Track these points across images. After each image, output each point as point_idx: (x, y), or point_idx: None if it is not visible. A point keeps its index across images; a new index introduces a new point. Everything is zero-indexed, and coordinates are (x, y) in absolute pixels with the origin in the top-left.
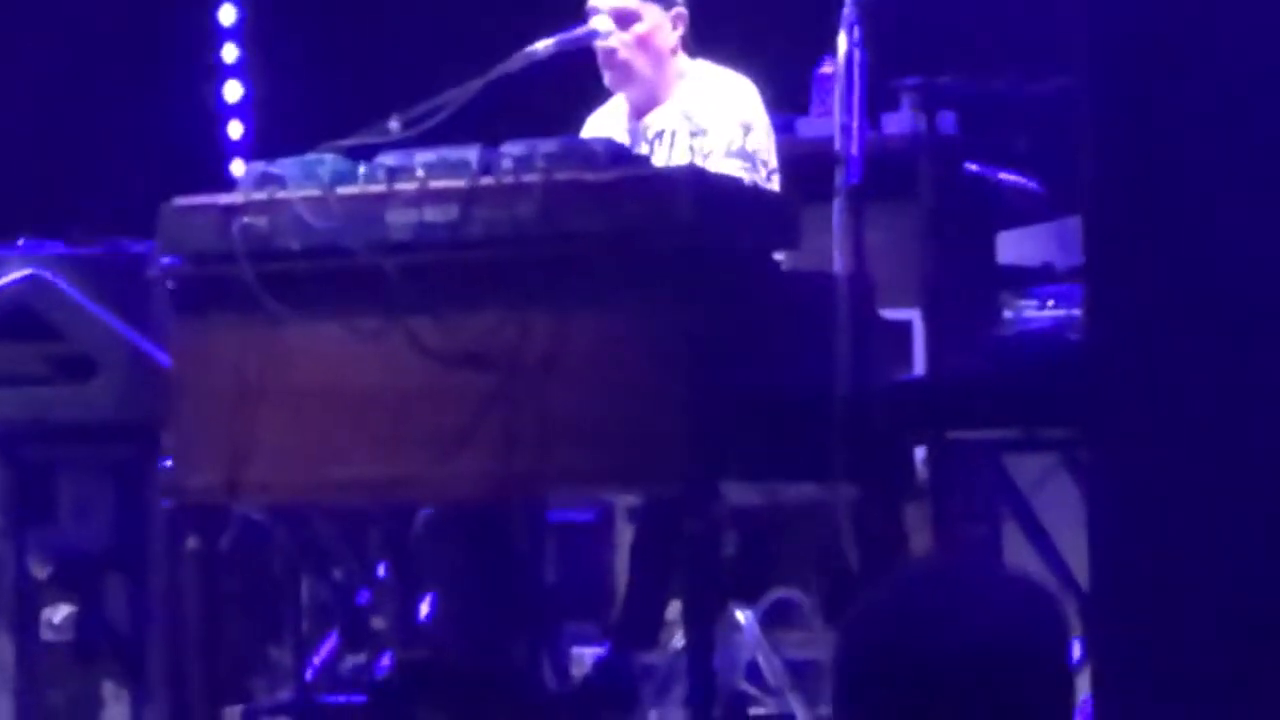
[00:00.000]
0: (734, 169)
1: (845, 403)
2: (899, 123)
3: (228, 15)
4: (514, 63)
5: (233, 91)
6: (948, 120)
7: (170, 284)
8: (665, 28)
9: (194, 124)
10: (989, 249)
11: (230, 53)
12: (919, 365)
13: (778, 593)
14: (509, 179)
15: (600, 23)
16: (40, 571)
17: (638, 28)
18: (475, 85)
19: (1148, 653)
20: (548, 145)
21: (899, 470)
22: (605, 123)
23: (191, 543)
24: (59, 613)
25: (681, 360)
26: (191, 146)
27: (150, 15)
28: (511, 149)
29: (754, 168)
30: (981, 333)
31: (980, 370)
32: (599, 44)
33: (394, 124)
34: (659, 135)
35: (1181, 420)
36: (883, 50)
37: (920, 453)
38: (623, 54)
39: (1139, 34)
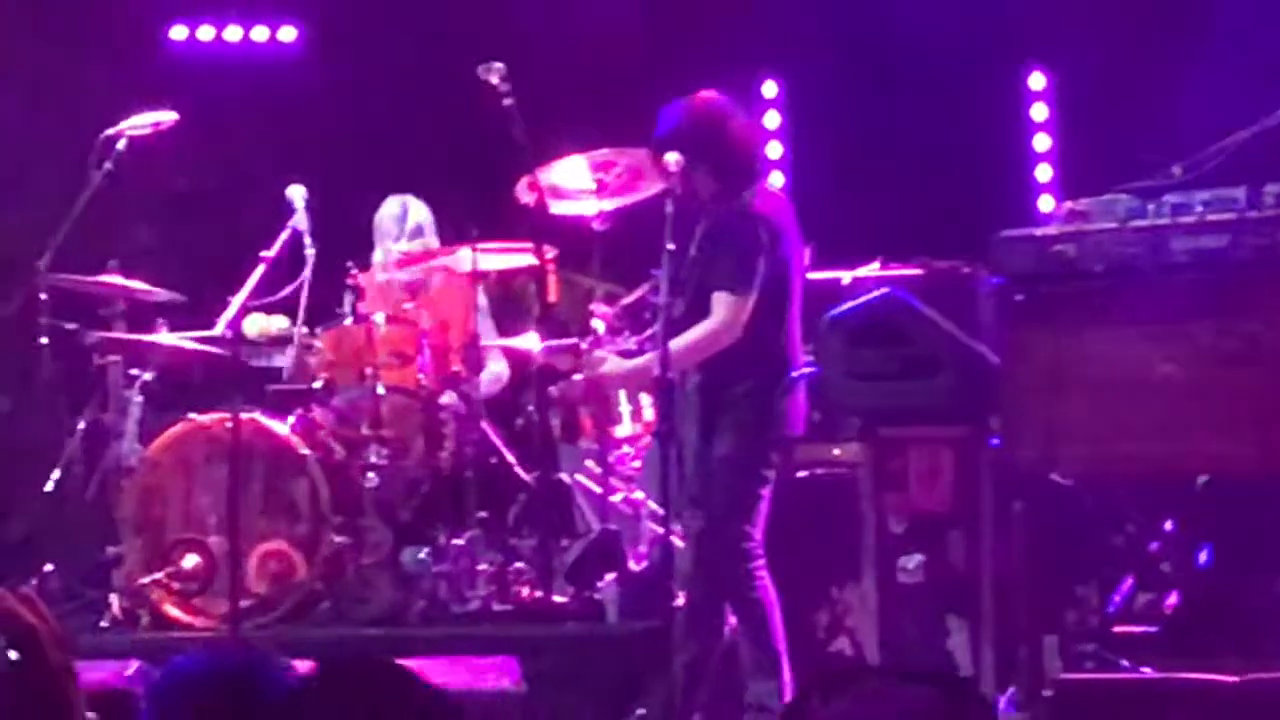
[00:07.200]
0: None
1: None
2: None
3: (1038, 81)
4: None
5: (1041, 142)
6: None
7: (997, 299)
8: None
9: (1009, 168)
10: None
11: (1040, 111)
12: None
13: None
14: (1272, 212)
15: None
16: (897, 528)
17: None
18: (1242, 136)
19: None
20: None
21: None
22: None
23: (1017, 505)
24: (912, 560)
25: None
26: (1008, 186)
27: (970, 79)
28: (1274, 188)
29: None
30: None
31: None
32: None
33: (1176, 169)
34: None
35: None
36: None
37: None
38: None
39: None
